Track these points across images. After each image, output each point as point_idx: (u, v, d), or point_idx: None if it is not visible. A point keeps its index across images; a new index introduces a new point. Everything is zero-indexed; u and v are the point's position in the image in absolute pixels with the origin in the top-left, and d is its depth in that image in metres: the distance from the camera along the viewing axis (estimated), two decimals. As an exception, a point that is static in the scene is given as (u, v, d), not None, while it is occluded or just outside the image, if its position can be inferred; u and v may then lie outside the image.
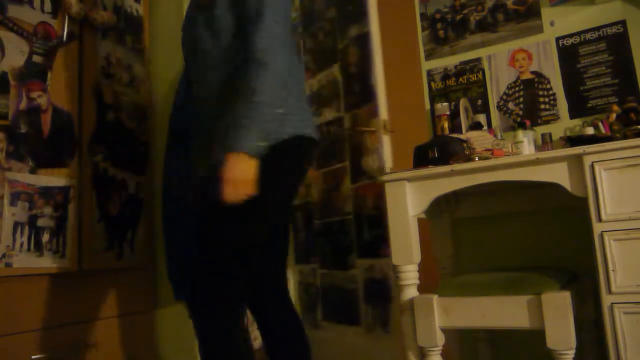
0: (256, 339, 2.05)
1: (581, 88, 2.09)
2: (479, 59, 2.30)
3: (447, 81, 2.36)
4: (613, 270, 1.38)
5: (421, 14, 2.45)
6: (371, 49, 2.06)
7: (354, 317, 2.24)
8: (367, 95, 2.15)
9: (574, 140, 1.65)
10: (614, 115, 1.87)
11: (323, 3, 2.53)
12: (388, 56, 2.09)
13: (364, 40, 2.16)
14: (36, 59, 1.70)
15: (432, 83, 2.39)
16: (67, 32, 1.81)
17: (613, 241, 1.39)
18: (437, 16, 2.42)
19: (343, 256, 2.34)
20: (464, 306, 1.52)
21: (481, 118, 2.12)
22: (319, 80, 2.55)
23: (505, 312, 1.45)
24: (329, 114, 2.47)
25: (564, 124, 2.10)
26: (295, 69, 1.44)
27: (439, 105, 2.16)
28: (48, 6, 1.77)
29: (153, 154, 2.17)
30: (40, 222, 1.65)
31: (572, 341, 1.35)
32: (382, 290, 2.09)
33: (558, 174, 1.47)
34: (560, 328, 1.35)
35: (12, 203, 1.57)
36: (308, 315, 2.53)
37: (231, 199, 1.25)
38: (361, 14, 2.16)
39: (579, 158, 1.44)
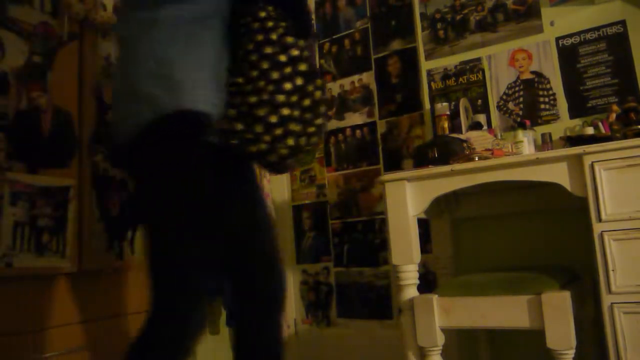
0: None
1: (581, 88, 2.09)
2: (479, 59, 2.30)
3: (447, 81, 2.36)
4: (613, 270, 1.38)
5: (421, 14, 2.45)
6: (416, 63, 2.44)
7: (385, 312, 2.43)
8: (410, 104, 2.49)
9: (574, 140, 1.65)
10: (614, 115, 1.87)
11: (352, 13, 2.74)
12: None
13: (409, 54, 2.52)
14: (36, 59, 1.70)
15: (432, 83, 2.39)
16: (67, 32, 1.81)
17: (613, 241, 1.39)
18: (437, 16, 2.42)
19: (373, 254, 2.49)
20: (464, 306, 1.52)
21: (481, 118, 2.12)
22: (341, 84, 2.73)
23: (505, 312, 1.45)
24: (357, 118, 2.65)
25: (564, 124, 2.10)
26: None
27: (439, 105, 2.16)
28: (48, 6, 1.77)
29: (153, 154, 2.17)
30: (40, 222, 1.64)
31: (572, 341, 1.35)
32: (426, 283, 2.19)
33: (558, 174, 1.47)
34: (560, 328, 1.36)
35: (12, 203, 1.57)
36: (317, 313, 2.62)
37: None
38: (406, 30, 2.54)
39: (579, 158, 1.44)
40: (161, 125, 1.16)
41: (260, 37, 1.22)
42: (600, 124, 1.90)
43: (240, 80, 1.22)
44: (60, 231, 1.70)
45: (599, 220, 1.41)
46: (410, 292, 1.62)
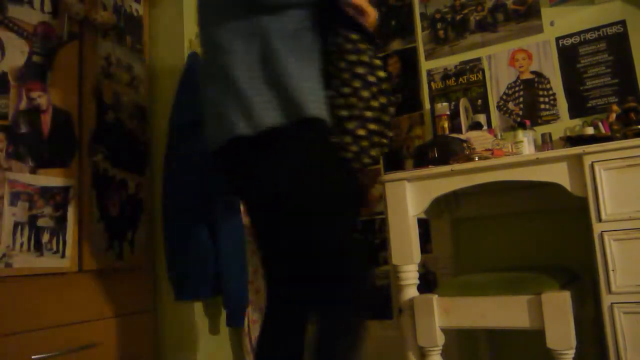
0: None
1: (581, 88, 2.09)
2: (479, 59, 2.30)
3: (447, 81, 2.36)
4: (613, 270, 1.38)
5: (421, 14, 2.46)
6: (416, 63, 2.46)
7: (385, 312, 2.41)
8: (411, 104, 2.47)
9: (574, 140, 1.65)
10: (614, 115, 1.87)
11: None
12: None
13: (409, 54, 2.50)
14: (36, 59, 1.70)
15: (432, 83, 2.39)
16: (67, 32, 1.81)
17: (613, 241, 1.39)
18: (437, 16, 2.42)
19: (373, 254, 2.47)
20: (464, 306, 1.52)
21: (481, 118, 2.12)
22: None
23: (505, 312, 1.45)
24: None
25: (564, 124, 2.10)
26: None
27: (439, 105, 2.16)
28: (48, 6, 1.77)
29: (153, 154, 2.17)
30: (40, 222, 1.64)
31: (572, 341, 1.35)
32: (426, 283, 2.20)
33: (558, 174, 1.47)
34: (560, 328, 1.36)
35: (12, 203, 1.57)
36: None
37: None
38: (406, 30, 2.53)
39: (578, 158, 1.44)
40: (300, 127, 1.25)
41: (353, 58, 1.33)
42: (600, 124, 1.90)
43: (332, 93, 1.35)
44: (60, 231, 1.70)
45: (599, 220, 1.41)
46: (410, 292, 1.62)
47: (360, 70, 1.33)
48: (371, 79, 1.33)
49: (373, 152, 1.36)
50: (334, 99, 1.34)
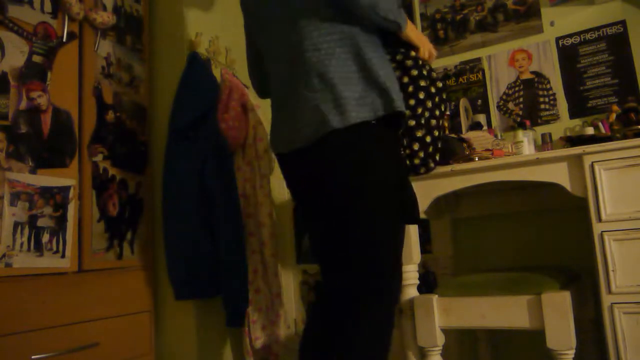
0: (258, 339, 2.05)
1: (581, 88, 2.10)
2: (479, 59, 2.30)
3: (447, 81, 2.36)
4: (613, 270, 1.38)
5: (421, 14, 2.45)
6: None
7: None
8: None
9: (574, 140, 1.65)
10: (614, 115, 1.87)
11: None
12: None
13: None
14: (36, 59, 1.70)
15: (432, 83, 2.39)
16: (67, 32, 1.81)
17: (613, 241, 1.39)
18: (437, 16, 2.42)
19: None
20: (464, 306, 1.52)
21: (481, 118, 2.12)
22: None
23: (505, 312, 1.45)
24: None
25: (564, 124, 2.11)
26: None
27: (439, 105, 2.16)
28: (48, 6, 1.77)
29: (153, 154, 2.17)
30: (40, 222, 1.64)
31: (572, 341, 1.35)
32: (426, 283, 2.21)
33: (558, 174, 1.47)
34: (560, 328, 1.35)
35: (12, 203, 1.57)
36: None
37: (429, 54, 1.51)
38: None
39: (579, 158, 1.44)
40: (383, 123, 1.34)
41: (415, 72, 1.47)
42: (600, 124, 1.90)
43: None
44: (60, 231, 1.70)
45: (599, 220, 1.41)
46: (410, 292, 1.62)
47: (422, 83, 1.47)
48: (432, 90, 1.48)
49: (437, 157, 1.50)
50: None
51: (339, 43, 1.35)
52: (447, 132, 2.08)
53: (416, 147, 1.47)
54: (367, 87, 1.32)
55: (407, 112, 1.45)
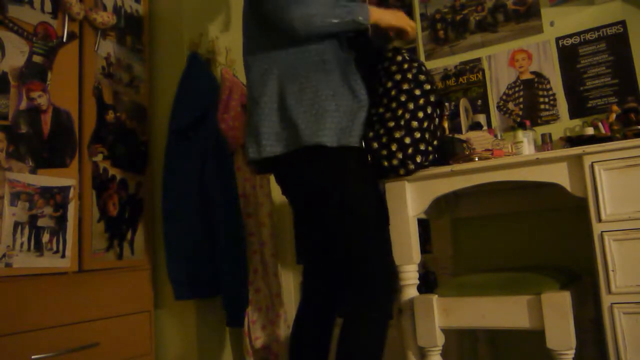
0: (257, 339, 2.05)
1: (581, 88, 2.10)
2: (479, 59, 2.30)
3: (447, 81, 2.36)
4: (613, 271, 1.38)
5: (421, 14, 2.46)
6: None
7: None
8: None
9: (573, 140, 1.65)
10: (614, 116, 1.87)
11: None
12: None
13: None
14: (36, 59, 1.70)
15: (432, 83, 2.39)
16: (67, 32, 1.81)
17: (613, 241, 1.39)
18: (437, 16, 2.42)
19: None
20: (464, 306, 1.52)
21: (481, 118, 2.12)
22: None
23: (505, 312, 1.45)
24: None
25: (564, 124, 2.11)
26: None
27: (439, 106, 2.16)
28: (48, 6, 1.77)
29: (153, 154, 2.17)
30: (40, 222, 1.65)
31: (572, 341, 1.35)
32: (426, 283, 2.22)
33: (558, 174, 1.47)
34: (560, 328, 1.35)
35: (12, 203, 1.57)
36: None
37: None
38: None
39: (578, 158, 1.44)
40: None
41: (398, 77, 1.52)
42: (600, 124, 1.90)
43: (381, 110, 1.52)
44: (60, 231, 1.70)
45: (599, 220, 1.41)
46: (410, 292, 1.61)
47: (405, 86, 1.50)
48: (417, 92, 1.49)
49: (418, 159, 1.49)
50: (384, 114, 1.50)
51: (264, 78, 1.44)
52: (447, 132, 2.08)
53: (394, 147, 1.48)
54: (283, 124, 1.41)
55: (389, 114, 1.49)
